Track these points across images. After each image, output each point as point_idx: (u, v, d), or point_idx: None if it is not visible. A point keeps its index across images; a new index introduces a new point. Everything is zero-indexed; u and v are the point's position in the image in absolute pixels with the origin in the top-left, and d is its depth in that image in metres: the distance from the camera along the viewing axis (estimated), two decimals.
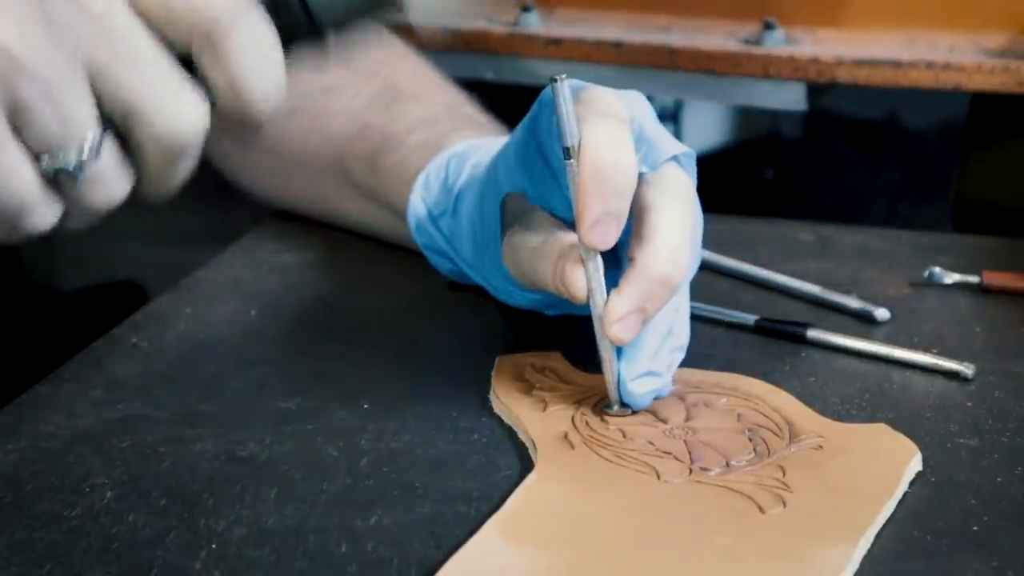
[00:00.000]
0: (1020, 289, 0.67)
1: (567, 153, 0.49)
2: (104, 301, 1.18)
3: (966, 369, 0.57)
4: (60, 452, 0.51)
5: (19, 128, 0.43)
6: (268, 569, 0.43)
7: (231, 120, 0.46)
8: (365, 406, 0.54)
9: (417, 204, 0.64)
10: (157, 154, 0.45)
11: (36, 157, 0.43)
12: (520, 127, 0.55)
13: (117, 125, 0.45)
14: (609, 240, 0.49)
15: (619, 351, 0.51)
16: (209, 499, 0.47)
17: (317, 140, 0.73)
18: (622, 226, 0.50)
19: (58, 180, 0.44)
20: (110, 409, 0.54)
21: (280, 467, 0.50)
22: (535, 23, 0.93)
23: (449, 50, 0.92)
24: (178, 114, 0.44)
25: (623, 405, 0.52)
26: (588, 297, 0.51)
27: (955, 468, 0.50)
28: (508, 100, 0.74)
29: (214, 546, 0.44)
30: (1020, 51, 0.85)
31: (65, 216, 0.45)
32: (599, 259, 0.50)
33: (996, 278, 0.68)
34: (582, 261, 0.50)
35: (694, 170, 0.54)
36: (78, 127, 0.43)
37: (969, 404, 0.55)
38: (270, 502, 0.47)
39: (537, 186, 0.54)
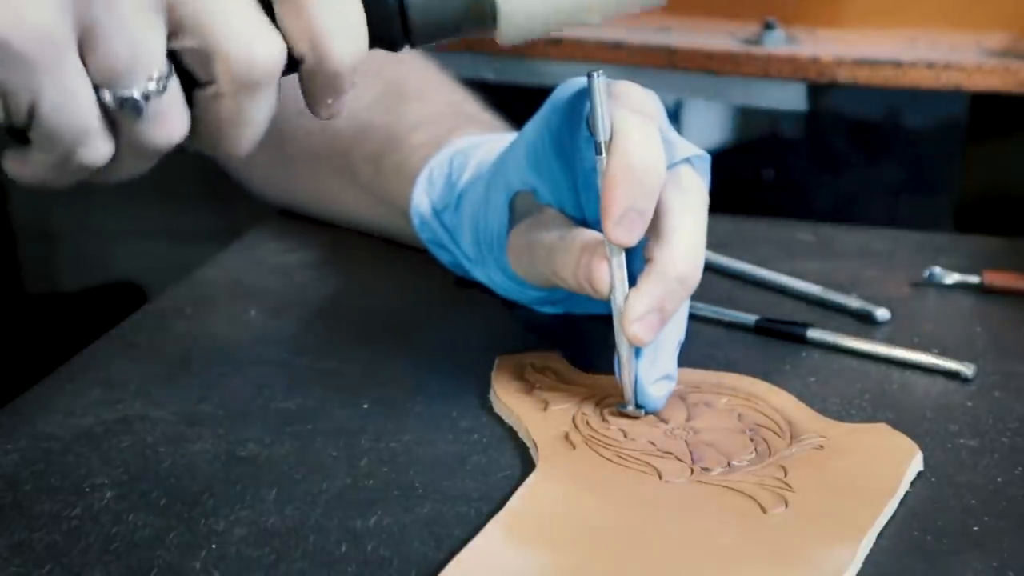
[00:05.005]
0: (1020, 289, 0.67)
1: (599, 148, 0.49)
2: (104, 301, 1.18)
3: (966, 369, 0.57)
4: (60, 452, 0.50)
5: (87, 52, 0.42)
6: (268, 569, 0.43)
7: (315, 81, 0.46)
8: (365, 406, 0.54)
9: (420, 199, 0.65)
10: (230, 91, 0.44)
11: (99, 86, 0.43)
12: (532, 125, 0.54)
13: (187, 64, 0.44)
14: (634, 237, 0.49)
15: (637, 353, 0.51)
16: (209, 499, 0.47)
17: (322, 139, 0.73)
18: (647, 225, 0.50)
19: (118, 114, 0.43)
20: (110, 409, 0.54)
21: (280, 467, 0.50)
22: None
23: (449, 50, 0.92)
24: (254, 47, 0.44)
25: (637, 406, 0.52)
26: (609, 294, 0.51)
27: (955, 468, 0.50)
28: (508, 100, 0.74)
29: (214, 546, 0.44)
30: (1020, 51, 0.85)
31: (118, 157, 0.45)
32: (623, 257, 0.50)
33: (996, 278, 0.68)
34: (606, 258, 0.50)
35: (708, 173, 0.54)
36: (148, 58, 0.43)
37: (969, 404, 0.55)
38: (270, 502, 0.47)
39: (548, 184, 0.54)
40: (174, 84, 0.44)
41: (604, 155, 0.49)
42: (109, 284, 1.22)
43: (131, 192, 1.40)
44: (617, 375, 0.52)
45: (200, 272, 0.70)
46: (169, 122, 0.44)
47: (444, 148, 0.65)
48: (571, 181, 0.54)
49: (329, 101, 0.47)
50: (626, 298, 0.50)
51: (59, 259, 1.41)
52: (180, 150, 0.47)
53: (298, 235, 0.76)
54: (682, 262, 0.50)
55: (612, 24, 0.94)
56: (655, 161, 0.49)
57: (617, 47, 0.89)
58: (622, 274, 0.51)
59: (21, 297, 1.29)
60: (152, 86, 0.43)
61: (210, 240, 0.88)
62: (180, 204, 1.34)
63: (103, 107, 0.43)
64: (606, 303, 0.52)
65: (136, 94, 0.43)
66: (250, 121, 0.46)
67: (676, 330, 0.53)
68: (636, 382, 0.52)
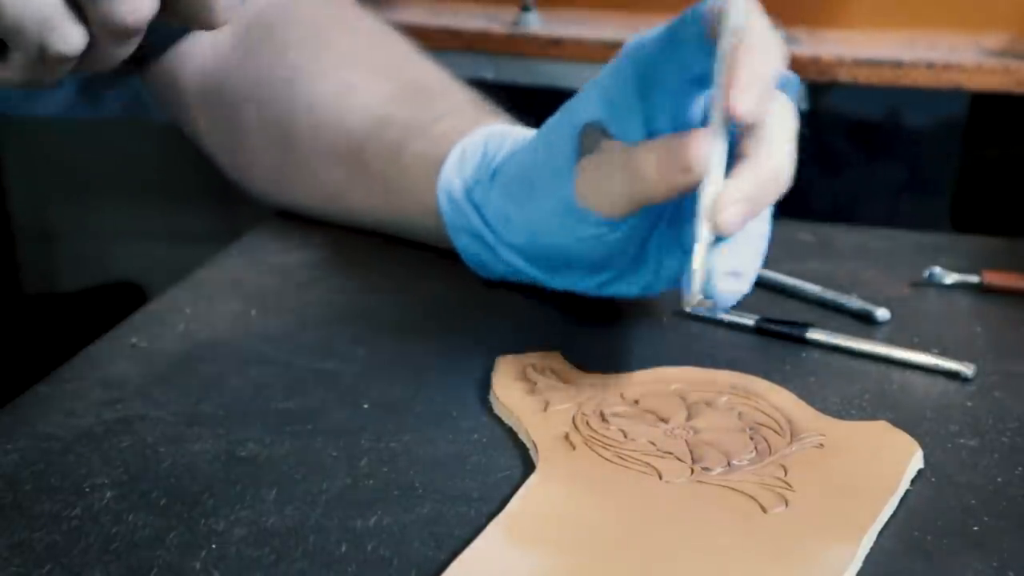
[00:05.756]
0: (1020, 289, 0.67)
1: (724, 33, 0.48)
2: (104, 301, 1.18)
3: (966, 369, 0.57)
4: (60, 452, 0.50)
5: None
6: (268, 569, 0.43)
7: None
8: (365, 406, 0.54)
9: (450, 175, 0.64)
10: None
11: None
12: (610, 67, 0.54)
13: None
14: (756, 108, 0.48)
15: (715, 244, 0.50)
16: (209, 499, 0.47)
17: (331, 135, 0.73)
18: (766, 104, 0.49)
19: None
20: (110, 409, 0.54)
21: (280, 467, 0.50)
22: (535, 23, 0.93)
23: (449, 50, 0.92)
24: None
25: (706, 297, 0.50)
26: (703, 175, 0.49)
27: (955, 468, 0.50)
28: (508, 100, 0.74)
29: (214, 546, 0.44)
30: (1020, 51, 0.85)
31: (95, 44, 0.45)
32: (724, 142, 0.49)
33: (996, 278, 0.68)
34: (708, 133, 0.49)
35: (796, 94, 0.54)
36: None
37: (969, 404, 0.55)
38: (270, 502, 0.47)
39: (622, 120, 0.53)
40: None
41: (729, 38, 0.48)
42: (109, 284, 1.22)
43: (131, 192, 1.41)
44: (684, 277, 0.50)
45: (200, 272, 0.70)
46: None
47: (475, 132, 0.64)
48: (646, 117, 0.53)
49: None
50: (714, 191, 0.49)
51: (58, 259, 1.41)
52: (166, 31, 0.46)
53: (298, 235, 0.76)
54: (778, 157, 0.50)
55: (612, 23, 0.95)
56: (778, 47, 0.50)
57: (617, 47, 0.89)
58: (720, 158, 0.49)
59: (20, 297, 1.29)
60: None
61: (210, 240, 0.88)
62: (180, 204, 1.34)
63: None
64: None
65: None
66: None
67: (759, 231, 0.52)
68: (709, 273, 0.49)
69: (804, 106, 0.90)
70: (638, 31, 0.91)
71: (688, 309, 0.50)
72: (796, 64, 0.85)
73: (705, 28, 0.50)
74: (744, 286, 0.51)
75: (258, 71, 0.76)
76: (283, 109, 0.75)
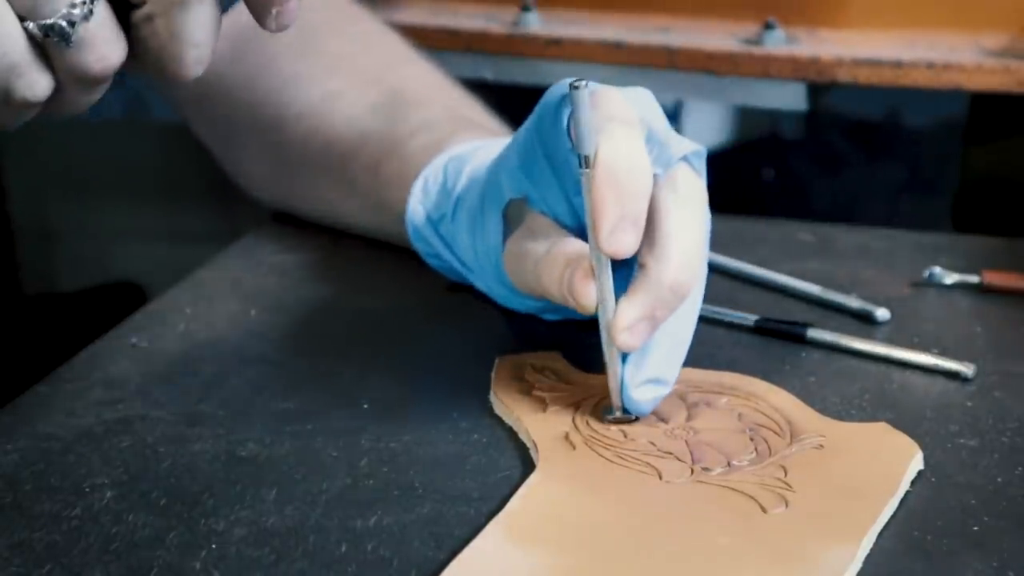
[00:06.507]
0: (1020, 289, 0.67)
1: (584, 162, 0.49)
2: (104, 301, 1.18)
3: (966, 369, 0.57)
4: (60, 452, 0.51)
5: None
6: (268, 569, 0.43)
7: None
8: (365, 406, 0.54)
9: (415, 210, 0.64)
10: (161, 9, 0.43)
11: (23, 18, 0.42)
12: (523, 131, 0.54)
13: None
14: (628, 247, 0.48)
15: (624, 356, 0.51)
16: (209, 499, 0.47)
17: (320, 145, 0.73)
18: (640, 232, 0.49)
19: (47, 44, 0.43)
20: (110, 409, 0.54)
21: (280, 467, 0.50)
22: (535, 23, 0.93)
23: (449, 50, 0.92)
24: None
25: (625, 411, 0.52)
26: (598, 306, 0.50)
27: (955, 468, 0.50)
28: (508, 100, 0.74)
29: (214, 546, 0.44)
30: (1020, 51, 0.85)
31: (61, 89, 0.44)
32: (610, 268, 0.50)
33: (996, 278, 0.68)
34: (591, 270, 0.50)
35: (704, 167, 0.53)
36: None
37: (969, 404, 0.55)
38: (270, 502, 0.47)
39: (540, 191, 0.54)
40: (101, 8, 0.43)
41: (589, 169, 0.49)
42: (109, 284, 1.22)
43: (131, 192, 1.40)
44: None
45: (200, 272, 0.70)
46: (100, 48, 0.43)
47: (440, 155, 0.65)
48: (562, 187, 0.53)
49: (274, 11, 0.45)
50: (615, 308, 0.50)
51: (58, 259, 1.41)
52: (127, 77, 0.46)
53: (298, 236, 0.76)
54: (675, 268, 0.50)
55: (612, 23, 0.95)
56: (639, 167, 0.49)
57: (617, 47, 0.89)
58: (609, 286, 0.50)
59: (20, 297, 1.29)
60: (76, 11, 0.42)
61: (210, 241, 0.88)
62: (180, 205, 1.34)
63: (32, 39, 0.43)
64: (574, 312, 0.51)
65: (60, 21, 0.42)
66: (189, 40, 0.44)
67: (673, 334, 0.52)
68: (622, 386, 0.51)
69: (804, 106, 0.90)
70: (638, 31, 0.91)
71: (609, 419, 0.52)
72: (796, 64, 0.85)
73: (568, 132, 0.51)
74: (665, 389, 0.52)
75: (249, 74, 0.76)
76: (275, 116, 0.75)
